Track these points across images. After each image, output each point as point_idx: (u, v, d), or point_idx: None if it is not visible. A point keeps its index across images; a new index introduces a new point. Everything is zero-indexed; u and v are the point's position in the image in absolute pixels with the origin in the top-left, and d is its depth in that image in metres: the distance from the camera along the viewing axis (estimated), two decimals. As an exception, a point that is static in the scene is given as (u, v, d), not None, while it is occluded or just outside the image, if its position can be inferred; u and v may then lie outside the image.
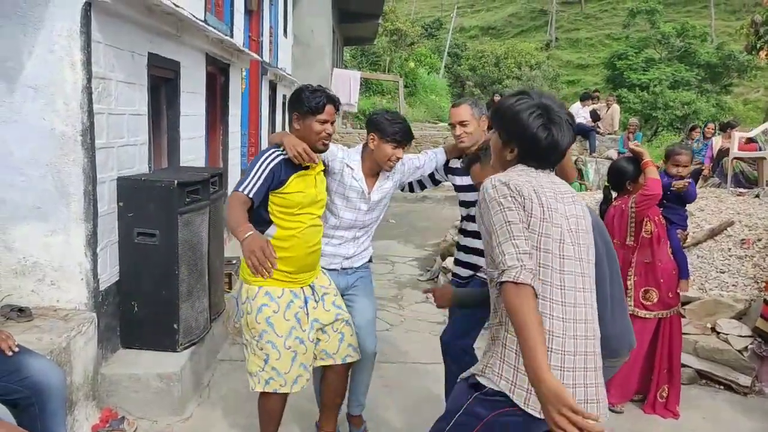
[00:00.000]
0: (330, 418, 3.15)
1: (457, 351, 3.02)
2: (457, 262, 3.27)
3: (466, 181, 3.06)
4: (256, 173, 2.66)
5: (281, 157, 2.73)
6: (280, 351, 2.75)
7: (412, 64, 29.09)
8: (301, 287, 2.86)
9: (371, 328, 3.14)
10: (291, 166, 2.74)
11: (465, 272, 3.18)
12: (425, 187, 3.42)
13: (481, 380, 1.85)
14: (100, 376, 3.39)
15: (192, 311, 3.78)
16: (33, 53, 3.10)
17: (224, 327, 4.63)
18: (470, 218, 3.15)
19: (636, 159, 3.69)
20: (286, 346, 2.76)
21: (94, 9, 3.19)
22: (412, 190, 3.39)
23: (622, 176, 3.75)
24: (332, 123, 2.79)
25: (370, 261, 3.28)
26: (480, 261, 3.06)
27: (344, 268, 3.11)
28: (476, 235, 2.98)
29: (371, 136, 2.97)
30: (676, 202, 4.06)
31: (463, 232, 3.26)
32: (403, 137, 2.95)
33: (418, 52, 32.19)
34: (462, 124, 3.02)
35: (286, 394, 2.86)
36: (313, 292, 2.91)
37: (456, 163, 3.21)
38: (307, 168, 2.78)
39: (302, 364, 2.82)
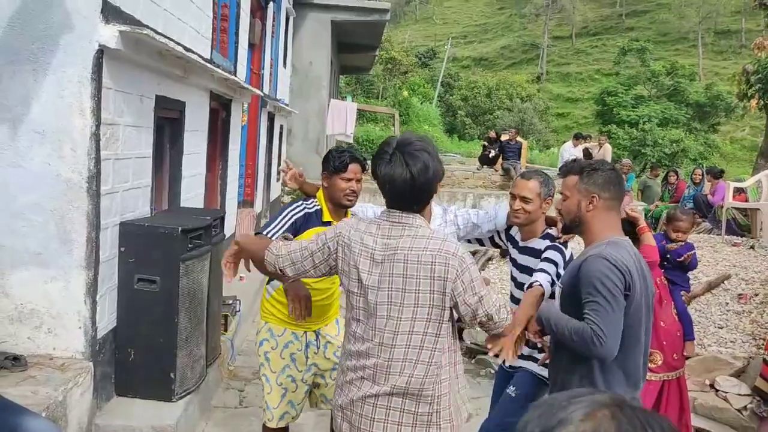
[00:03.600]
0: None
1: None
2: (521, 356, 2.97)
3: (523, 260, 2.92)
4: (280, 221, 2.87)
5: (306, 210, 2.93)
6: (272, 386, 2.96)
7: (405, 93, 29.38)
8: (305, 331, 3.01)
9: None
10: (313, 220, 2.91)
11: (527, 364, 2.96)
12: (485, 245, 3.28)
13: None
14: (94, 426, 3.30)
15: (189, 359, 3.70)
16: (42, 99, 3.06)
17: (219, 371, 4.54)
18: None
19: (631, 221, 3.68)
20: (278, 383, 2.95)
21: (106, 56, 3.16)
22: (482, 243, 3.23)
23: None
24: (357, 181, 2.90)
25: None
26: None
27: None
28: None
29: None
30: (677, 268, 4.06)
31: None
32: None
33: (412, 81, 32.54)
34: (524, 200, 2.81)
35: (277, 429, 3.02)
36: (317, 339, 3.05)
37: (517, 234, 3.01)
38: (329, 223, 2.85)
39: (290, 401, 3.01)
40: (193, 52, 4.05)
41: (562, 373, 2.28)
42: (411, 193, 2.01)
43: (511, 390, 2.86)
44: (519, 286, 3.01)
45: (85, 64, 3.08)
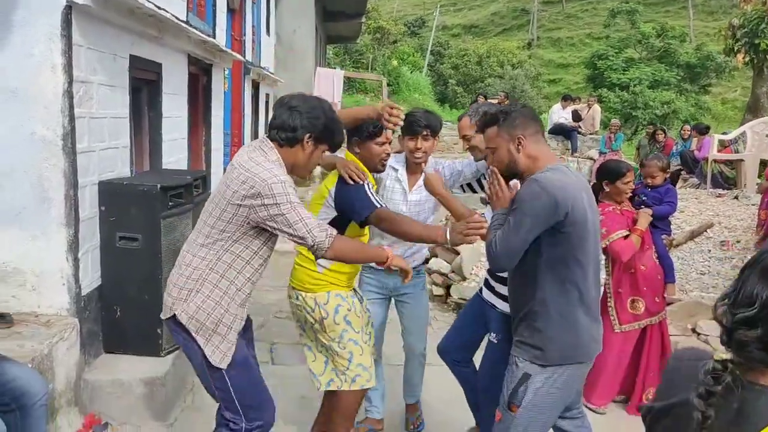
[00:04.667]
0: None
1: (451, 361, 3.10)
2: (493, 291, 2.95)
3: None
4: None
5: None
6: (362, 346, 2.83)
7: (395, 62, 29.11)
8: (353, 290, 2.98)
9: (422, 332, 3.37)
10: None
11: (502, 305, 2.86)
12: (476, 191, 3.35)
13: None
14: (83, 381, 3.36)
15: (175, 316, 3.74)
16: (12, 56, 3.05)
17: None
18: None
19: (626, 165, 3.74)
20: (364, 341, 2.84)
21: (75, 12, 3.14)
22: (474, 191, 3.33)
23: (604, 175, 3.76)
24: (390, 143, 2.90)
25: (425, 263, 3.33)
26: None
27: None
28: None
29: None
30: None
31: None
32: (408, 127, 3.02)
33: (401, 51, 32.22)
34: (465, 138, 2.93)
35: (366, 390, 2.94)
36: (355, 293, 3.00)
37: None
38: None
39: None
40: (166, 11, 4.01)
41: (516, 290, 2.34)
42: (276, 114, 2.35)
43: (492, 337, 2.86)
44: None
45: (53, 20, 3.06)
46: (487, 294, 2.97)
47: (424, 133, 3.02)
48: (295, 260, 2.90)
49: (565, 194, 2.10)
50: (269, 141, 2.36)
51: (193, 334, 2.35)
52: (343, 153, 2.92)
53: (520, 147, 2.26)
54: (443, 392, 3.68)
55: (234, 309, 2.39)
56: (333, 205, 2.77)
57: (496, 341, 2.81)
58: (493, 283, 2.90)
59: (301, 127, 2.32)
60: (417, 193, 3.15)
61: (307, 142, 2.35)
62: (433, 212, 3.26)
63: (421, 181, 3.13)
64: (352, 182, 2.70)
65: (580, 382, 2.37)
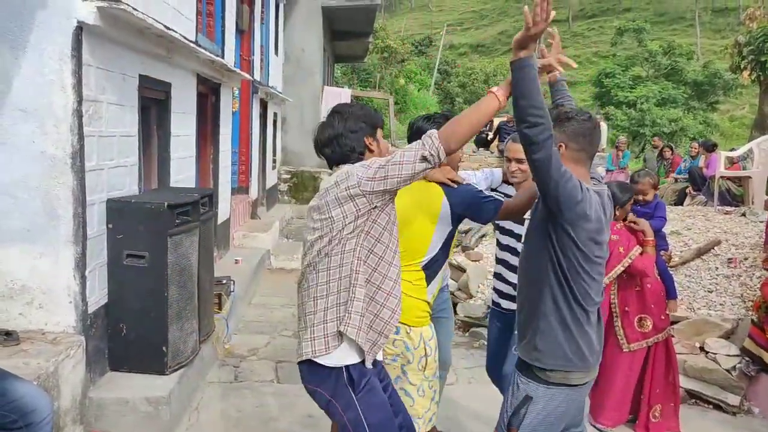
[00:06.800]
0: None
1: (497, 377, 3.24)
2: (501, 294, 3.16)
3: (506, 224, 2.99)
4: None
5: None
6: (438, 381, 2.73)
7: (402, 81, 29.31)
8: None
9: (450, 347, 3.40)
10: None
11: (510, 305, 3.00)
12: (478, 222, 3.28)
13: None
14: (88, 399, 3.36)
15: (181, 333, 3.75)
16: (23, 76, 3.10)
17: (214, 348, 4.60)
18: (508, 249, 3.08)
19: (629, 188, 3.74)
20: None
21: (85, 32, 3.20)
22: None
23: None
24: None
25: None
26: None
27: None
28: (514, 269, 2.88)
29: None
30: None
31: (503, 263, 3.16)
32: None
33: (409, 69, 32.44)
34: (519, 161, 2.87)
35: None
36: None
37: (507, 189, 3.07)
38: None
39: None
40: (175, 32, 4.07)
41: (522, 293, 2.31)
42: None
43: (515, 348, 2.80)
44: (503, 247, 3.07)
45: (64, 41, 3.11)
46: (509, 304, 3.04)
47: None
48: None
49: (591, 198, 2.06)
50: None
51: None
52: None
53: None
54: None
55: None
56: (449, 216, 2.59)
57: None
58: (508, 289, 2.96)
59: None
60: None
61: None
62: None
63: None
64: (455, 185, 2.60)
65: (577, 404, 2.33)
